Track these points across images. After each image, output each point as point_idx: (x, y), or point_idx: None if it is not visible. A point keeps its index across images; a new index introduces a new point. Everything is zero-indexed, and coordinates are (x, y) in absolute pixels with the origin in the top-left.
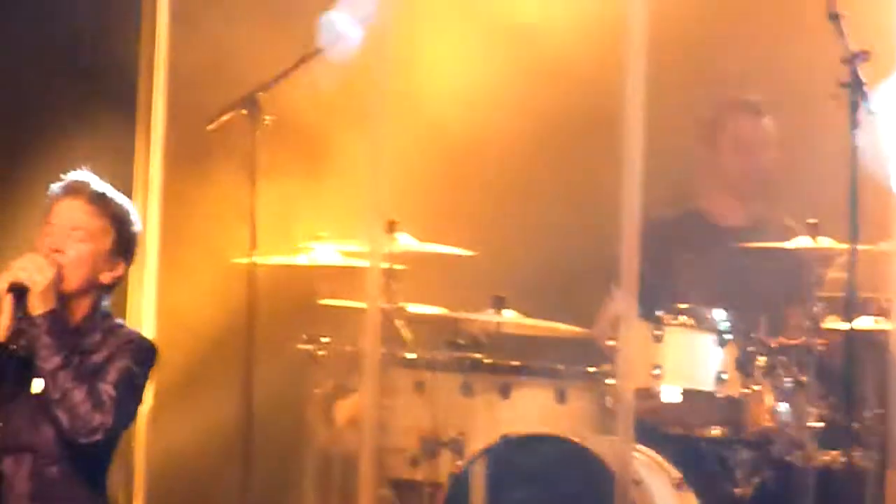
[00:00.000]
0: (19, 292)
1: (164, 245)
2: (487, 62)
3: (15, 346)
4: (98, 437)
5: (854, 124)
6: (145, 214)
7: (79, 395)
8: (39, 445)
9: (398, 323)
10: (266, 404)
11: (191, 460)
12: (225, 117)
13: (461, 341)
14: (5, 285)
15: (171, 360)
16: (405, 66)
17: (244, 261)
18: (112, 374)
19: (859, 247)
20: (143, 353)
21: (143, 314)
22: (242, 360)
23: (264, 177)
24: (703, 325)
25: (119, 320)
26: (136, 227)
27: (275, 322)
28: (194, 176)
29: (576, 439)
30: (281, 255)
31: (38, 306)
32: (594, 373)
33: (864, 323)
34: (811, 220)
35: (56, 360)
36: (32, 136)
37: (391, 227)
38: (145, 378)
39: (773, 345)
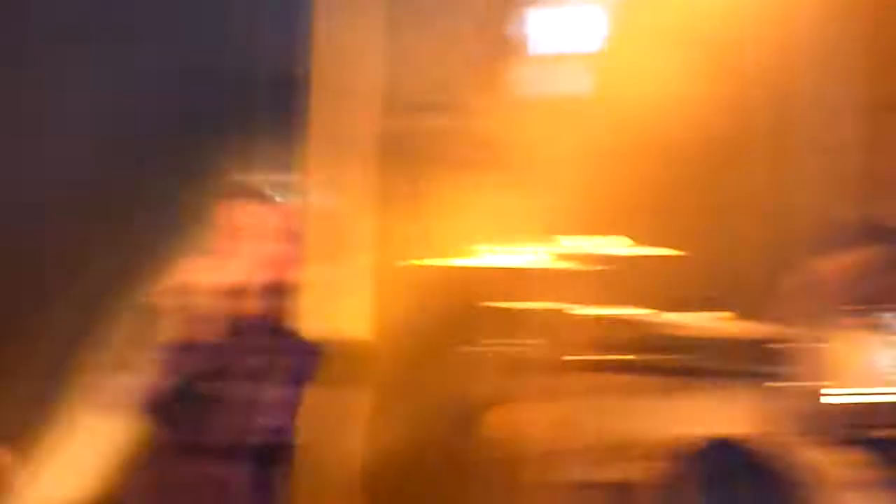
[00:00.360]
0: (202, 294)
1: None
2: (674, 59)
3: (199, 345)
4: (270, 438)
5: None
6: (316, 218)
7: (254, 395)
8: (216, 443)
9: (569, 324)
10: (431, 404)
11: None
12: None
13: (634, 342)
14: (197, 287)
15: (340, 360)
16: (596, 66)
17: (414, 262)
18: (283, 374)
19: None
20: (313, 355)
21: (313, 317)
22: (411, 363)
23: (437, 178)
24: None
25: (290, 323)
26: (306, 223)
27: (440, 323)
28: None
29: (765, 441)
30: (451, 257)
31: (217, 307)
32: (786, 373)
33: None
34: None
35: (232, 361)
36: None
37: (559, 227)
38: (315, 378)
39: None
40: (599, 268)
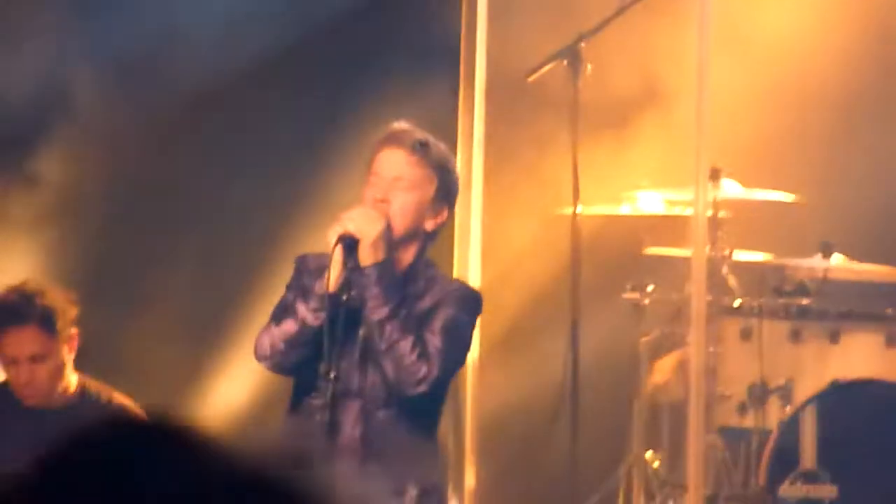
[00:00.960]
0: (349, 243)
1: (488, 196)
2: (814, 10)
3: (345, 296)
4: (423, 388)
5: None
6: (469, 166)
7: (405, 346)
8: (367, 392)
9: (724, 271)
10: (593, 354)
11: (520, 409)
12: (546, 68)
13: (788, 288)
14: (335, 237)
15: (496, 310)
16: (731, 13)
17: (567, 211)
18: (437, 322)
19: None
20: (470, 303)
21: (468, 265)
22: (568, 311)
23: (586, 126)
24: None
25: (442, 272)
26: (456, 173)
27: (599, 272)
28: (516, 127)
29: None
30: (604, 205)
31: (367, 257)
32: None
33: None
34: None
35: (384, 311)
36: (359, 91)
37: (715, 174)
38: (471, 327)
39: None
40: (751, 214)
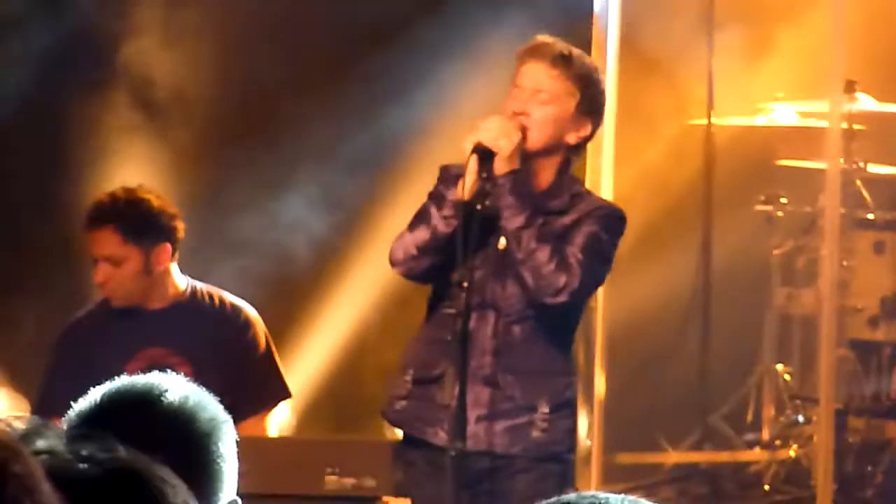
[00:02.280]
0: (484, 153)
1: (621, 107)
2: None
3: (479, 206)
4: (562, 298)
5: None
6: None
7: (543, 255)
8: (503, 303)
9: (858, 183)
10: (724, 265)
11: (649, 320)
12: None
13: None
14: (471, 146)
15: (629, 221)
16: None
17: (701, 122)
18: (579, 238)
19: None
20: (613, 222)
21: (601, 175)
22: (700, 222)
23: (721, 37)
24: None
25: (579, 186)
26: (601, 86)
27: (732, 183)
28: (651, 36)
29: None
30: (739, 116)
31: (502, 167)
32: None
33: None
34: None
35: (519, 220)
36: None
37: (850, 86)
38: (613, 247)
39: None
40: (885, 128)
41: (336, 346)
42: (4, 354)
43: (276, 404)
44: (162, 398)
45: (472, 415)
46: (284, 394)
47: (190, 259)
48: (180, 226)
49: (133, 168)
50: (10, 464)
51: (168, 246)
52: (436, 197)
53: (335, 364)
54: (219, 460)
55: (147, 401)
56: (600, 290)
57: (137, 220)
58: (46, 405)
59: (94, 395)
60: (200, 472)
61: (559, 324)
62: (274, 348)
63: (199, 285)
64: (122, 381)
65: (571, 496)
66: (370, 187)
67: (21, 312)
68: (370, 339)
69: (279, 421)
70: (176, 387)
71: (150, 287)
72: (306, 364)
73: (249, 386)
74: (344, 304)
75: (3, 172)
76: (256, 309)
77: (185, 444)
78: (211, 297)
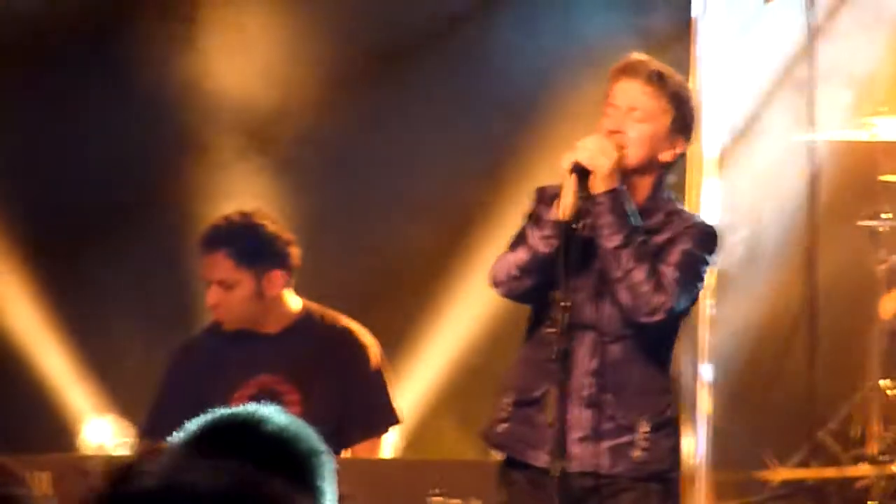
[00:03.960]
0: (582, 172)
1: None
2: None
3: (577, 225)
4: (659, 316)
5: None
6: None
7: (639, 274)
8: (601, 323)
9: None
10: (829, 280)
11: (755, 336)
12: None
13: None
14: (569, 165)
15: (735, 236)
16: None
17: (804, 138)
18: (674, 255)
19: None
20: (707, 238)
21: (702, 192)
22: (805, 237)
23: (824, 52)
24: None
25: (681, 204)
26: (694, 103)
27: (836, 199)
28: (752, 51)
29: None
30: (841, 130)
31: (600, 186)
32: None
33: None
34: None
35: (618, 239)
36: (589, 20)
37: None
38: (707, 263)
39: None
40: None
41: (443, 367)
42: (111, 380)
43: (386, 430)
44: (260, 429)
45: (573, 435)
46: (395, 419)
47: (302, 278)
48: (295, 251)
49: (241, 190)
50: (10, 488)
51: (280, 272)
52: (534, 218)
53: (441, 385)
54: (315, 492)
55: (245, 432)
56: (706, 307)
57: (251, 245)
58: (156, 428)
59: (193, 426)
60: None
61: (657, 342)
62: (387, 373)
63: (314, 308)
64: (222, 412)
65: None
66: (475, 210)
67: (127, 338)
68: (477, 361)
69: (389, 442)
70: (274, 418)
71: (262, 312)
72: (415, 384)
73: (360, 411)
74: (451, 325)
75: (111, 193)
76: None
77: (282, 475)
78: (323, 319)
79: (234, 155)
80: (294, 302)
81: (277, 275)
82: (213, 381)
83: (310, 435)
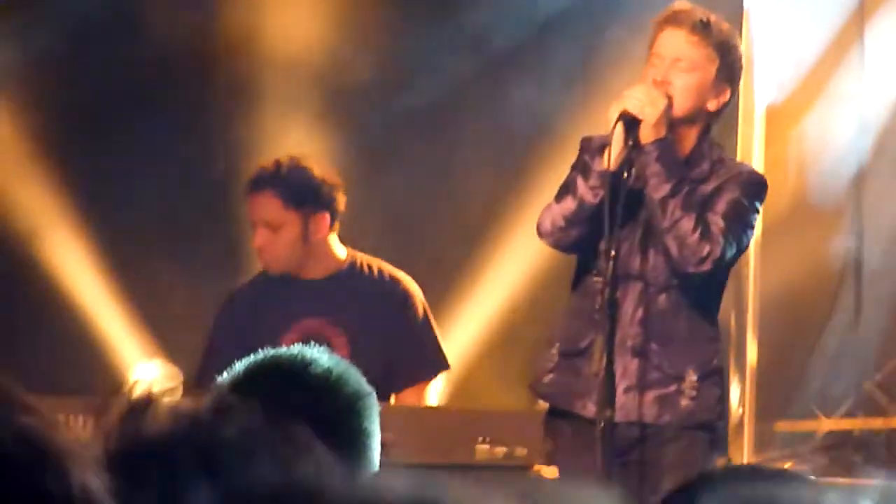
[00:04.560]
0: (630, 122)
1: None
2: None
3: (625, 175)
4: (706, 267)
5: None
6: (748, 42)
7: (688, 224)
8: (648, 273)
9: None
10: (877, 232)
11: (802, 287)
12: None
13: None
14: (616, 115)
15: (779, 188)
16: None
17: (854, 91)
18: (721, 205)
19: None
20: (754, 187)
21: (752, 143)
22: (852, 190)
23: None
24: None
25: (727, 154)
26: (739, 52)
27: (886, 152)
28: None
29: None
30: (892, 85)
31: (648, 135)
32: None
33: None
34: None
35: (665, 189)
36: None
37: None
38: (755, 212)
39: None
40: None
41: (491, 316)
42: (157, 325)
43: (434, 375)
44: (306, 371)
45: (620, 385)
46: (443, 365)
47: (349, 229)
48: (341, 197)
49: (291, 140)
50: (16, 416)
51: (327, 215)
52: (580, 168)
53: (489, 335)
54: (361, 433)
55: (291, 373)
56: (753, 257)
57: (298, 187)
58: (206, 376)
59: (239, 367)
60: (342, 443)
61: (704, 292)
62: (433, 320)
63: (360, 255)
64: (267, 353)
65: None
66: (524, 160)
67: (171, 284)
68: (524, 310)
69: (435, 391)
70: (320, 360)
71: (307, 256)
72: (460, 334)
73: (407, 357)
74: (498, 276)
75: (148, 142)
76: (416, 278)
77: (328, 416)
78: (370, 267)
79: (284, 105)
80: (340, 250)
81: (324, 218)
82: (259, 327)
83: (356, 376)
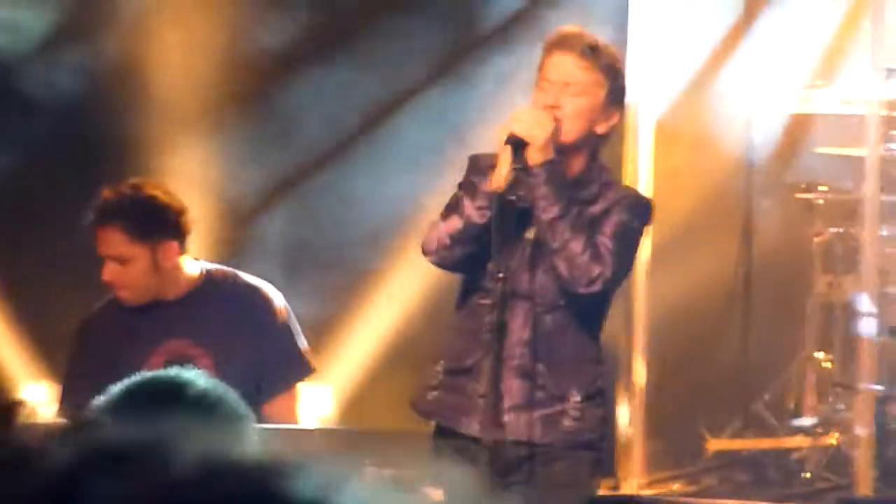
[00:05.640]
0: (518, 144)
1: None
2: None
3: (513, 196)
4: (596, 287)
5: None
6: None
7: (577, 245)
8: (535, 293)
9: None
10: (765, 253)
11: (691, 308)
12: None
13: None
14: (504, 137)
15: (667, 207)
16: None
17: (741, 109)
18: (609, 227)
19: None
20: (641, 209)
21: (638, 171)
22: (741, 210)
23: (759, 24)
24: None
25: (615, 176)
26: (626, 75)
27: (773, 171)
28: (687, 24)
29: None
30: (778, 102)
31: (536, 157)
32: None
33: None
34: None
35: (554, 210)
36: None
37: (891, 73)
38: (641, 234)
39: None
40: None
41: (379, 337)
42: (47, 346)
43: (300, 378)
44: (182, 394)
45: (505, 405)
46: (308, 369)
47: (239, 253)
48: (189, 220)
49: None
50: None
51: (175, 244)
52: (467, 187)
53: (377, 355)
54: (237, 455)
55: (167, 396)
56: (642, 278)
57: (143, 219)
58: (68, 402)
59: (114, 391)
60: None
61: (590, 313)
62: (295, 324)
63: (214, 268)
64: (142, 376)
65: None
66: (417, 178)
67: (56, 304)
68: (413, 330)
69: (321, 412)
70: (197, 382)
71: (161, 282)
72: (349, 355)
73: (271, 364)
74: (387, 295)
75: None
76: (302, 301)
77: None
78: (226, 278)
79: (172, 131)
80: (192, 267)
81: (172, 246)
82: (123, 352)
83: (233, 399)
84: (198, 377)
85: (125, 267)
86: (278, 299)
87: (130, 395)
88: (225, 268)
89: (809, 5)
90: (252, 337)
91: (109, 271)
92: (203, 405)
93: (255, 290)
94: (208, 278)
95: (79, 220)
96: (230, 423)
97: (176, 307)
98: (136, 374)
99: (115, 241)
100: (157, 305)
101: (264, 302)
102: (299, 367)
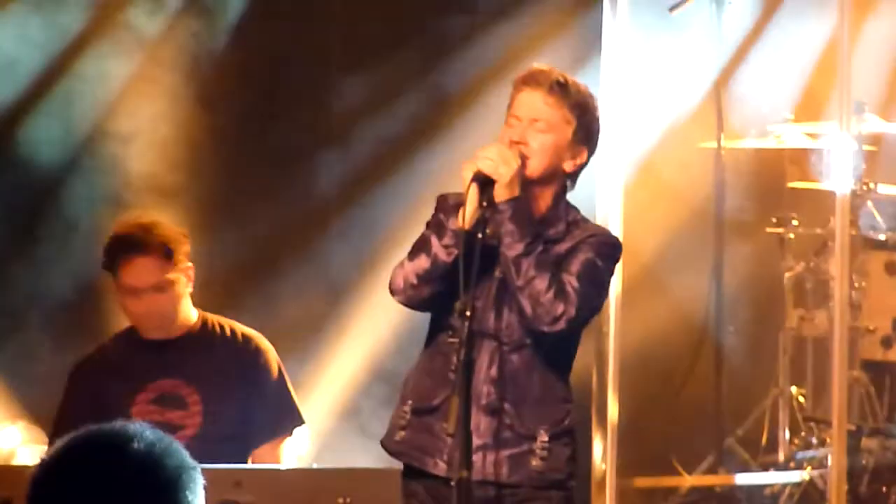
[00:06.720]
0: (484, 181)
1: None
2: None
3: (480, 234)
4: (560, 326)
5: None
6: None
7: (541, 283)
8: (501, 331)
9: (868, 204)
10: (736, 288)
11: (663, 343)
12: (689, 1)
13: None
14: (470, 174)
15: (639, 243)
16: None
17: (711, 145)
18: (575, 265)
19: None
20: (608, 248)
21: (609, 199)
22: (712, 245)
23: (730, 59)
24: None
25: (582, 215)
26: (598, 113)
27: (744, 206)
28: (659, 60)
29: None
30: (748, 138)
31: (502, 194)
32: None
33: None
34: None
35: (519, 248)
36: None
37: (860, 107)
38: (609, 274)
39: None
40: (871, 148)
41: (350, 376)
42: (21, 386)
43: (289, 431)
44: (128, 446)
45: (472, 444)
46: (297, 421)
47: (208, 290)
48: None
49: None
50: None
51: (191, 266)
52: (435, 226)
53: (348, 394)
54: None
55: (112, 449)
56: (612, 315)
57: (169, 244)
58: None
59: (59, 443)
60: None
61: (556, 352)
62: (287, 376)
63: (210, 316)
64: (89, 429)
65: None
66: (390, 222)
67: (35, 343)
68: (384, 369)
69: (299, 451)
70: (143, 434)
71: (178, 313)
72: (320, 394)
73: (262, 414)
74: (358, 334)
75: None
76: (275, 339)
77: (151, 491)
78: (222, 327)
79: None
80: (192, 310)
81: (192, 267)
82: (113, 389)
83: (178, 451)
84: (143, 429)
85: (166, 294)
86: (272, 351)
87: (73, 449)
88: (221, 317)
89: (780, 42)
90: (245, 385)
91: (146, 303)
92: (148, 458)
93: (249, 340)
94: (204, 323)
95: (56, 262)
96: (176, 475)
97: (171, 347)
98: (124, 411)
99: (151, 270)
100: (151, 343)
101: (258, 352)
102: (290, 420)
